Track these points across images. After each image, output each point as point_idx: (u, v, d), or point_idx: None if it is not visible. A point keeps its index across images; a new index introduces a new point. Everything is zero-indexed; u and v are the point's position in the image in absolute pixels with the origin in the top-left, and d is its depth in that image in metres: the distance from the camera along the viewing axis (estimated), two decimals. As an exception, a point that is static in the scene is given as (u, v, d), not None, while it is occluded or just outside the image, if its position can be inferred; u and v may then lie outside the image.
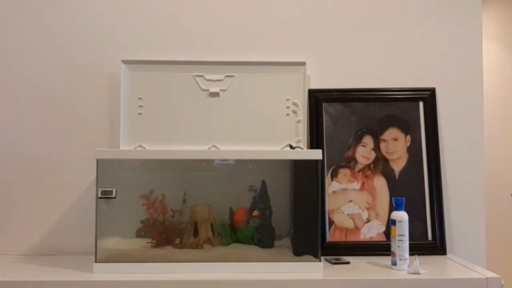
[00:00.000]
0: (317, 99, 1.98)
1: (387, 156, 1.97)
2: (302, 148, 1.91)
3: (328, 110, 1.99)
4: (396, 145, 1.97)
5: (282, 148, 1.91)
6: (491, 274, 1.59)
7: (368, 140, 1.98)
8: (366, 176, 1.96)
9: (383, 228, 1.92)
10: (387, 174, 1.96)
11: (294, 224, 1.74)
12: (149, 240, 1.74)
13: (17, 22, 2.00)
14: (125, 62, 1.93)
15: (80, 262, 1.74)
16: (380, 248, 1.86)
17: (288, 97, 1.95)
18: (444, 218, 1.92)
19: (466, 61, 2.04)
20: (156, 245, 1.73)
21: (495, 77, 3.33)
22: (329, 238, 1.91)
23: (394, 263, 1.68)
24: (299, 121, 1.94)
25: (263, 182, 1.77)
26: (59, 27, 2.01)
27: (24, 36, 2.00)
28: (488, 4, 3.13)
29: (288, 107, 1.94)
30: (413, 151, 1.97)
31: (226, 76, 1.95)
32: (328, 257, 1.80)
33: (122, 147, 1.89)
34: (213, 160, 1.79)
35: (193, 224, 1.74)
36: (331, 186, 1.95)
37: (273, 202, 1.75)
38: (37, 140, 1.99)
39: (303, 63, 1.94)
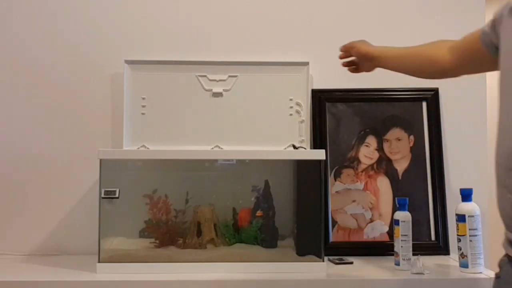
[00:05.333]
0: (320, 99, 1.98)
1: (390, 156, 1.97)
2: (305, 148, 1.91)
3: (331, 110, 1.98)
4: (399, 145, 1.97)
5: (285, 148, 1.90)
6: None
7: (371, 140, 1.98)
8: (369, 176, 1.95)
9: (386, 228, 1.92)
10: (390, 174, 1.95)
11: (297, 224, 1.74)
12: (152, 240, 1.74)
13: (19, 22, 2.00)
14: (128, 62, 1.92)
15: (83, 262, 1.73)
16: (383, 248, 1.85)
17: (291, 97, 1.94)
18: (447, 218, 1.92)
19: (469, 61, 2.04)
20: (159, 245, 1.73)
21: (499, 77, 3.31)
22: (332, 238, 1.90)
23: (397, 263, 1.68)
24: (302, 121, 1.94)
25: (266, 182, 1.77)
26: (61, 27, 2.01)
27: (26, 36, 2.00)
28: (492, 4, 3.11)
29: (291, 107, 1.94)
30: (416, 151, 1.96)
31: (229, 76, 1.95)
32: (331, 257, 1.80)
33: (125, 147, 1.89)
34: (216, 160, 1.79)
35: (196, 224, 1.74)
36: (334, 186, 1.94)
37: (276, 202, 1.76)
38: (40, 140, 1.99)
39: (306, 63, 1.94)
